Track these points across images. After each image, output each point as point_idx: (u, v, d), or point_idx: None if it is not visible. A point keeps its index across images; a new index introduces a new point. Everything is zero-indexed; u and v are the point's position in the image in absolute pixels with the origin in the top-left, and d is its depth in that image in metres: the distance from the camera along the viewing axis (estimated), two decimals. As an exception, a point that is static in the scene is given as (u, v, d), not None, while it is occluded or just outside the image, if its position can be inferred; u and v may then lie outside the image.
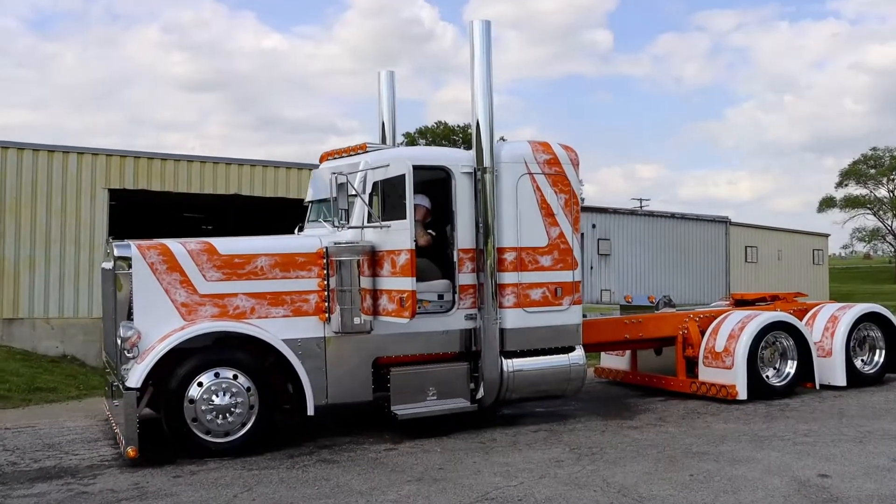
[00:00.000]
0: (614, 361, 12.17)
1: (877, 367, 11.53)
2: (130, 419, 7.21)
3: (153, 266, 7.82)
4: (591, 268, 37.21)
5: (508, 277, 8.83)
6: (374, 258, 8.26)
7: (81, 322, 19.24)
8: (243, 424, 7.70)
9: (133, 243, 7.92)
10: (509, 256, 8.85)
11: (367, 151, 8.86)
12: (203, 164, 21.44)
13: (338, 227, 8.26)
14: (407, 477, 6.88)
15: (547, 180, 9.12)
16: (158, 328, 7.69)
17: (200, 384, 7.55)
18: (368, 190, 8.52)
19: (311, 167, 17.48)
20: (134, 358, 7.49)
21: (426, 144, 61.64)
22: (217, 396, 7.58)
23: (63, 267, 19.46)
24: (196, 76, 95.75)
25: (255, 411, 7.74)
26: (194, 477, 6.92)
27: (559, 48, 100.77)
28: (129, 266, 7.82)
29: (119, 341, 7.60)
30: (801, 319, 11.23)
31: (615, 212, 38.98)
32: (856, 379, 11.13)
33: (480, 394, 8.74)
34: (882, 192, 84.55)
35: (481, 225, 8.68)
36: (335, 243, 8.24)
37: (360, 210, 8.43)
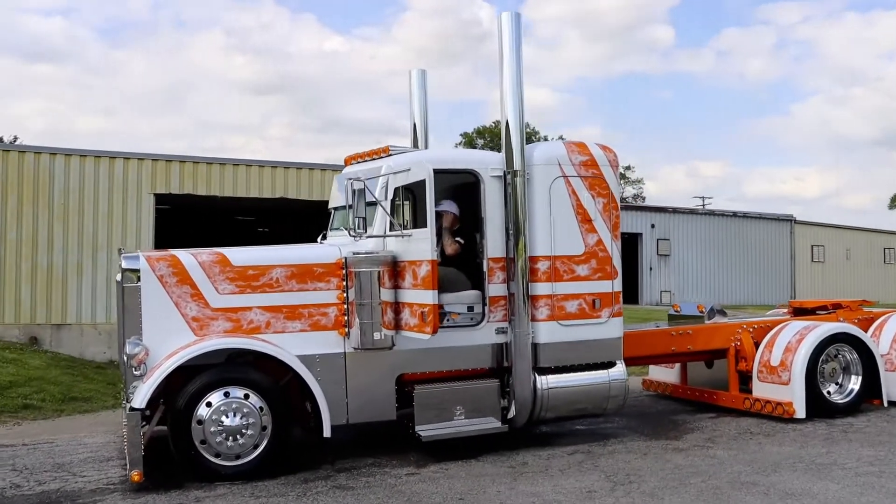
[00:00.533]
0: (663, 374, 11.45)
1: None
2: (134, 442, 6.83)
3: (163, 279, 7.44)
4: (651, 269, 36.27)
5: (541, 288, 8.24)
6: (395, 269, 7.76)
7: (127, 327, 19.13)
8: (255, 447, 7.25)
9: (142, 254, 7.56)
10: (542, 265, 8.25)
11: (391, 154, 8.35)
12: (249, 167, 21.22)
13: (355, 237, 7.75)
14: (423, 508, 6.36)
15: (583, 183, 8.49)
16: (168, 344, 7.31)
17: (209, 404, 7.12)
18: (390, 196, 8.02)
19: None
20: (141, 376, 7.12)
21: (484, 144, 60.85)
22: (227, 417, 7.14)
23: (110, 272, 19.37)
24: (259, 79, 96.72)
25: (268, 432, 7.29)
26: (199, 504, 6.51)
27: (620, 45, 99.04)
28: (139, 279, 7.45)
29: (125, 358, 7.23)
30: (866, 330, 10.35)
31: (674, 211, 37.91)
32: (929, 395, 10.19)
33: (512, 413, 8.17)
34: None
35: (512, 232, 8.11)
36: (354, 253, 7.76)
37: (381, 218, 7.94)
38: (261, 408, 7.26)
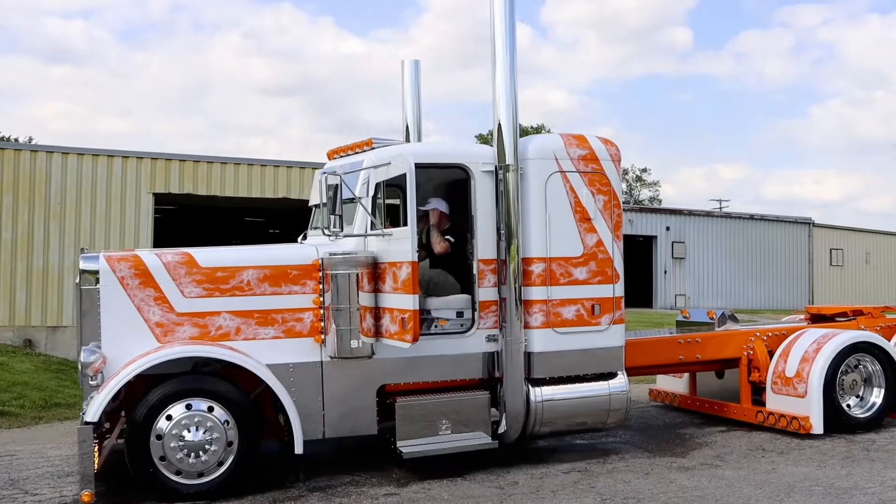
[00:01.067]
0: (671, 383, 10.78)
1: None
2: (86, 458, 6.24)
3: (124, 280, 6.87)
4: (665, 272, 35.53)
5: (536, 293, 7.61)
6: (376, 271, 7.16)
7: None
8: (220, 464, 6.64)
9: (102, 255, 6.98)
10: (537, 268, 7.63)
11: (373, 148, 7.75)
12: (250, 166, 20.72)
13: (329, 235, 7.15)
14: (397, 535, 5.75)
15: (582, 179, 7.86)
16: (129, 351, 6.73)
17: (169, 417, 6.53)
18: (371, 192, 7.43)
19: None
20: (97, 386, 6.55)
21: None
22: (188, 432, 6.55)
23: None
24: (277, 81, 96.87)
25: (234, 448, 6.68)
26: (152, 528, 5.93)
27: (638, 47, 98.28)
28: (97, 280, 6.89)
29: (80, 367, 6.68)
30: (889, 338, 9.62)
31: (690, 213, 37.16)
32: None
33: (503, 427, 7.55)
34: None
35: (504, 232, 7.49)
36: (331, 254, 7.17)
37: (361, 216, 7.34)
38: (226, 421, 6.67)
